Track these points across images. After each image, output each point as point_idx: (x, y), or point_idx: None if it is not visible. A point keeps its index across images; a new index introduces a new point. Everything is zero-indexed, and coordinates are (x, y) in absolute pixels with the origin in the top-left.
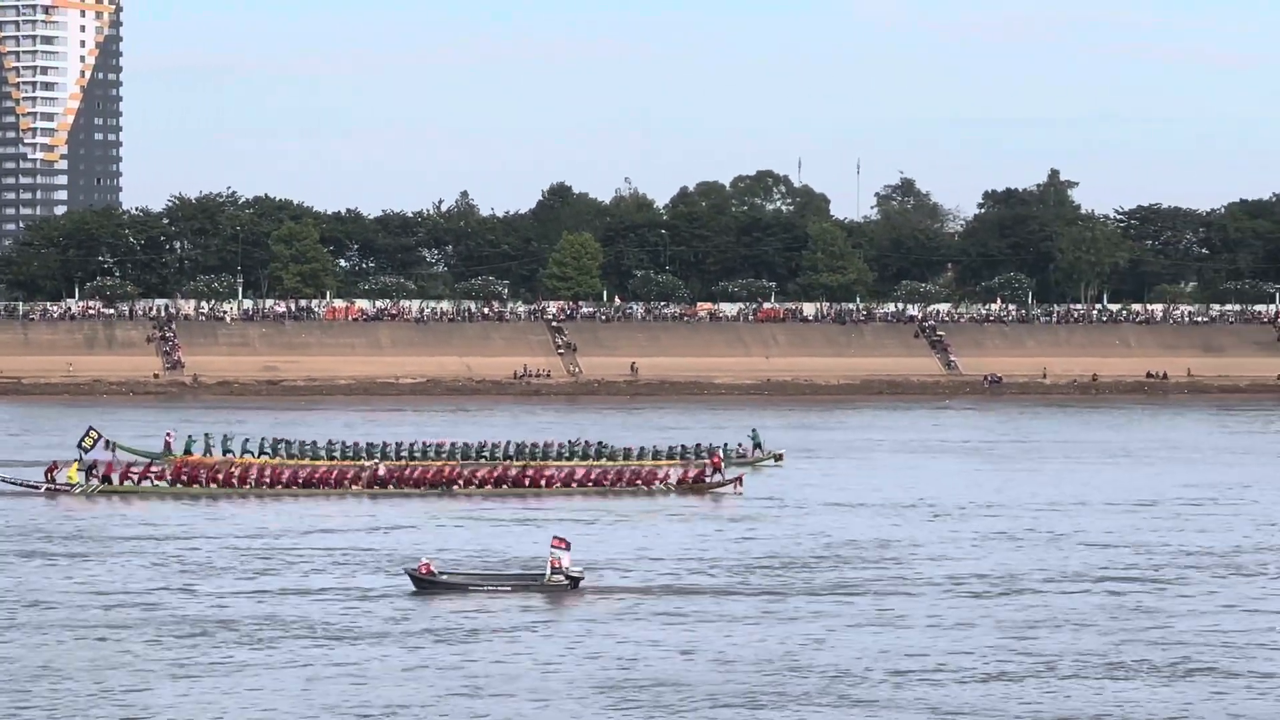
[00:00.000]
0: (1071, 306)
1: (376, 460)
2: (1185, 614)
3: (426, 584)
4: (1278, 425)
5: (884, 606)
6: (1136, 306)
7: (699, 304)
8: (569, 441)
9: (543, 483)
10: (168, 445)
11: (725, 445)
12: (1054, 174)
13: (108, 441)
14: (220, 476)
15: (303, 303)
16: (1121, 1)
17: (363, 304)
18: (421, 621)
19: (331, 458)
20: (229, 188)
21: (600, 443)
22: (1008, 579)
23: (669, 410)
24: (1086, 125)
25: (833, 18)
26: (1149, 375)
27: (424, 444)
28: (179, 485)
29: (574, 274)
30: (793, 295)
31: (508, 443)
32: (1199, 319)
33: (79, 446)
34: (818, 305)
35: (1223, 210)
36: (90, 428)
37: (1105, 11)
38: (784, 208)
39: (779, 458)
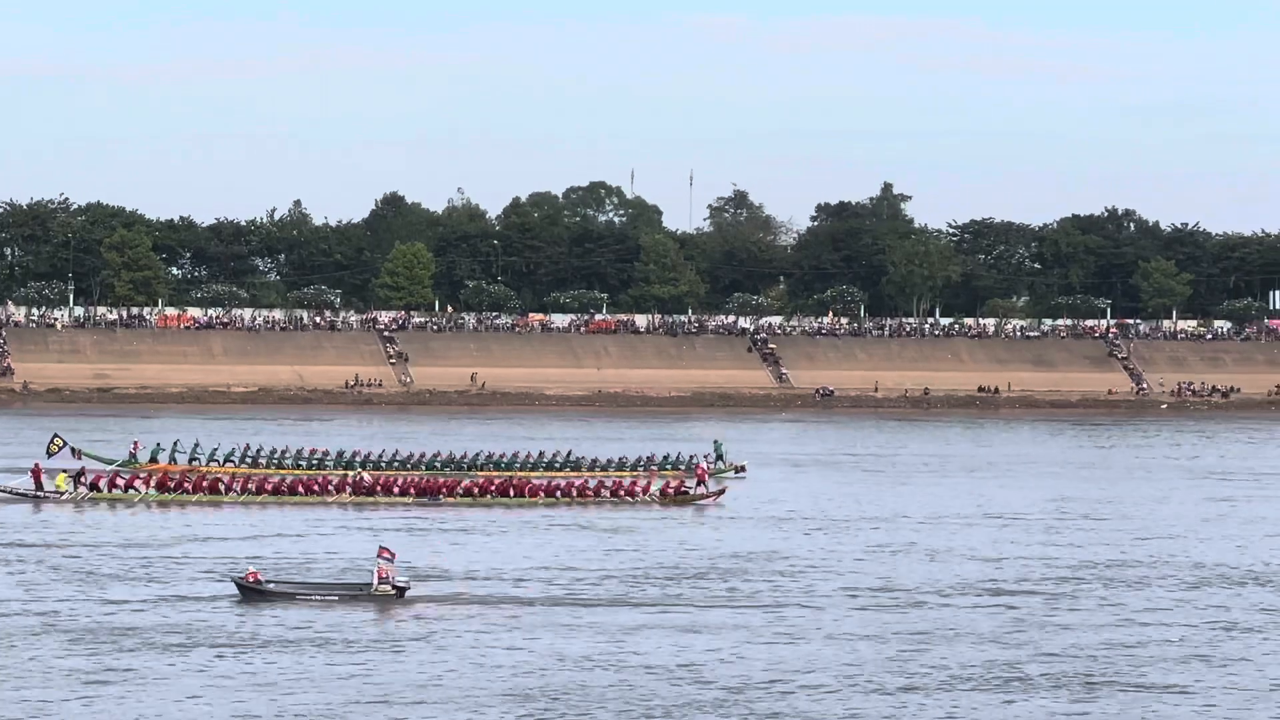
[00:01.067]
0: (903, 320)
1: (359, 470)
2: (1081, 626)
3: (253, 593)
4: (1127, 439)
5: (777, 619)
6: (968, 320)
7: (531, 314)
8: (541, 452)
9: (526, 493)
10: (133, 455)
11: (692, 457)
12: (887, 187)
13: (73, 448)
14: (207, 485)
15: (135, 310)
16: (956, 15)
17: (195, 312)
18: (279, 631)
19: (314, 466)
20: (61, 194)
21: (566, 453)
22: (900, 592)
23: (502, 421)
24: (920, 139)
25: (666, 28)
26: (980, 389)
27: (409, 454)
28: (166, 493)
29: (406, 284)
30: (624, 306)
31: (485, 453)
32: (1031, 333)
33: (46, 454)
34: (649, 317)
35: (1055, 225)
36: (55, 434)
37: (940, 25)
38: (616, 219)
39: (741, 469)
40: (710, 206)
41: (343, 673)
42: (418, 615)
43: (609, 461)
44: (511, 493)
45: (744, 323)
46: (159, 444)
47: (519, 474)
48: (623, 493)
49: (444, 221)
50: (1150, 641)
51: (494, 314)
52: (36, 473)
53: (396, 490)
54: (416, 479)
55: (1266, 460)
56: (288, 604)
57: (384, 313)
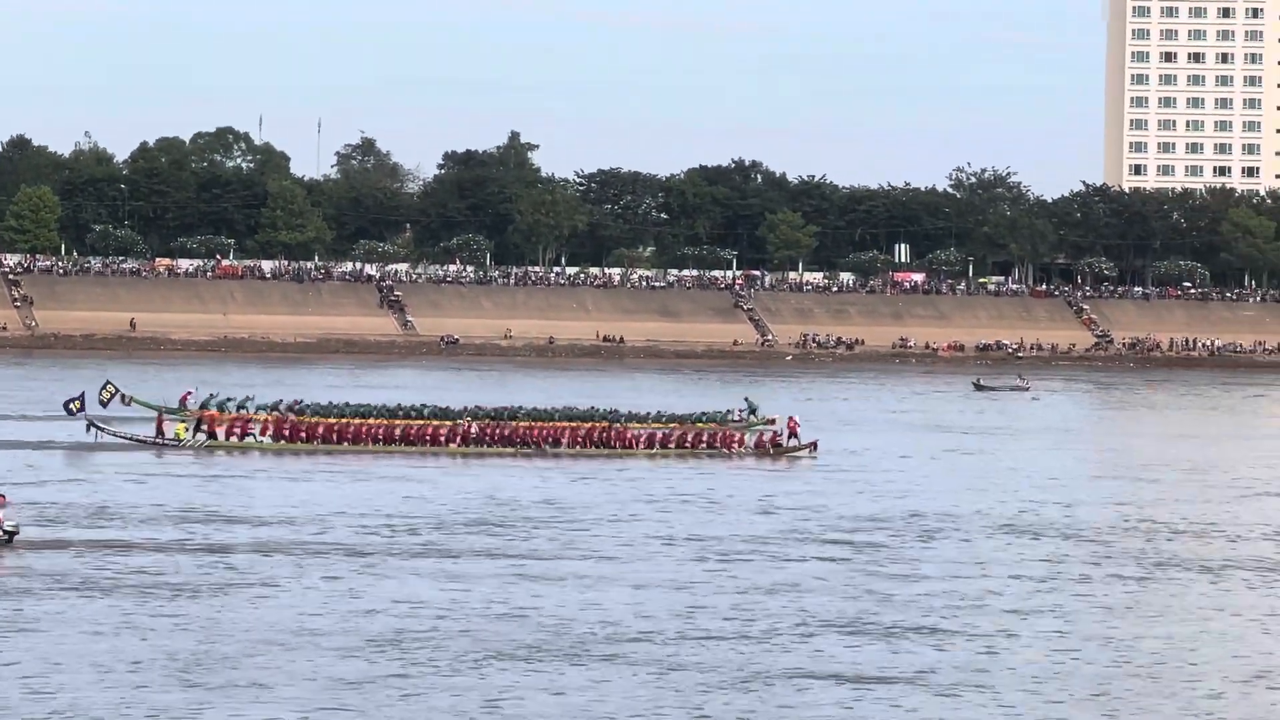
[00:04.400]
0: (529, 269)
1: (468, 420)
2: (898, 576)
3: None
4: (823, 391)
5: (606, 567)
6: (595, 270)
7: (158, 259)
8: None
9: (629, 444)
10: (184, 402)
11: (728, 412)
12: (514, 136)
13: (124, 395)
14: (321, 433)
15: None
16: None
17: None
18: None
19: (363, 417)
20: None
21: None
22: (700, 541)
23: (128, 366)
24: (548, 89)
25: None
26: (605, 339)
27: (513, 405)
28: (281, 441)
29: (31, 227)
30: (251, 252)
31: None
32: (656, 284)
33: (99, 401)
34: (276, 263)
35: (682, 176)
36: (108, 381)
37: None
38: (244, 165)
39: (772, 422)
40: (338, 153)
41: None
42: (22, 560)
43: (646, 415)
44: (616, 444)
45: (370, 270)
46: (212, 394)
47: (618, 424)
48: (720, 445)
49: (71, 165)
50: (960, 591)
51: (120, 258)
52: (159, 421)
53: (504, 440)
54: (523, 429)
55: (968, 414)
56: None
57: (9, 256)
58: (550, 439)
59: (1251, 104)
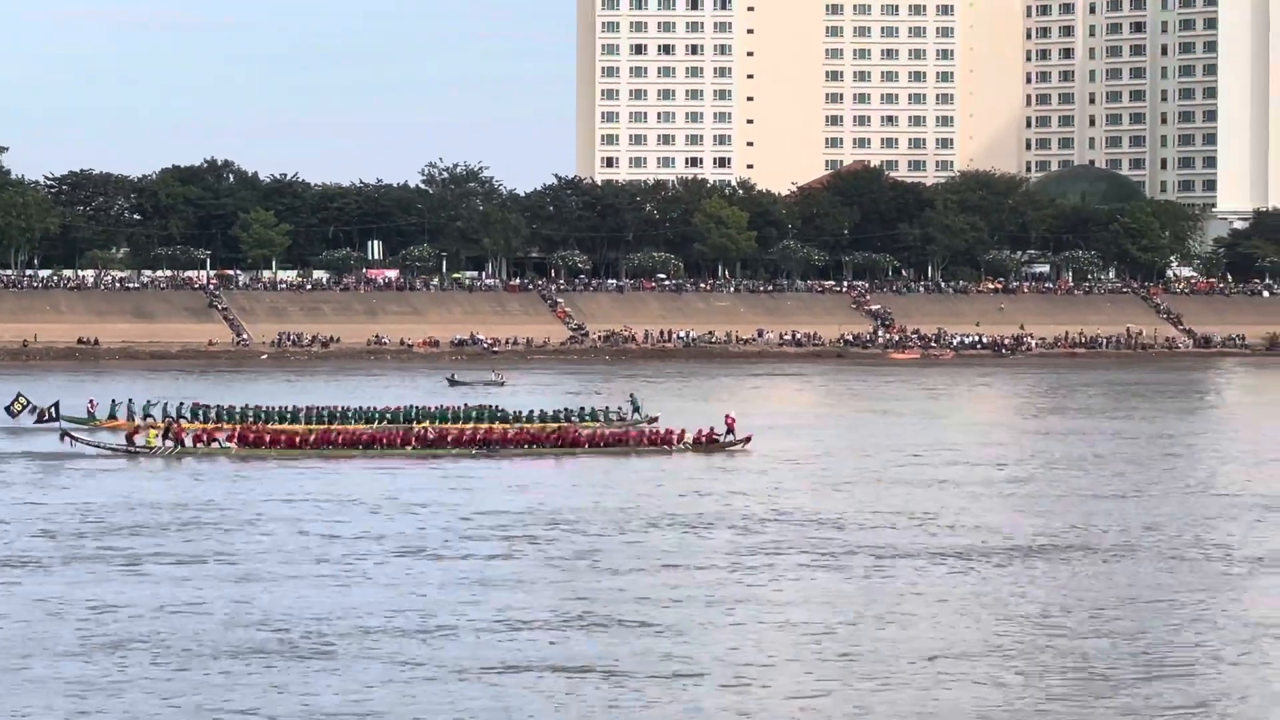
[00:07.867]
0: (2, 272)
1: (425, 424)
2: (602, 569)
3: None
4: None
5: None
6: (68, 272)
7: None
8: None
9: (576, 443)
10: (90, 412)
11: (606, 409)
12: None
13: (34, 407)
14: (283, 439)
15: None
16: None
17: None
18: None
19: (261, 420)
20: None
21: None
22: (390, 538)
23: None
24: (19, 92)
25: None
26: (81, 341)
27: (466, 406)
28: (245, 448)
29: None
30: None
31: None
32: (130, 285)
33: (7, 411)
34: None
35: (155, 176)
36: (19, 393)
37: None
38: None
39: (654, 420)
40: None
41: None
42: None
43: (531, 414)
44: (561, 443)
45: None
46: (114, 401)
47: (565, 425)
48: (659, 442)
49: None
50: (644, 584)
51: None
52: (132, 432)
53: (460, 443)
54: (478, 431)
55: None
56: None
57: None
58: (501, 441)
59: (722, 95)
